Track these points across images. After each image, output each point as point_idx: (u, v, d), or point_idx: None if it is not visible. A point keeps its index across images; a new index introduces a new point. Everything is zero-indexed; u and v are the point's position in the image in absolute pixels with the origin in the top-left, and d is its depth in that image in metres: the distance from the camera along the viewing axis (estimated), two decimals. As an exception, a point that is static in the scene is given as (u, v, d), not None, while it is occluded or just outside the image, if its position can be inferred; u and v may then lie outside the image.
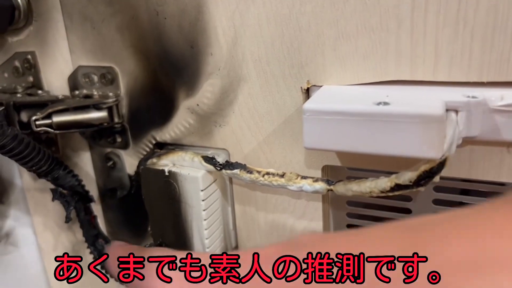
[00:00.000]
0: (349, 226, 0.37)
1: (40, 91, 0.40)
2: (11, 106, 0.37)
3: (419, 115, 0.25)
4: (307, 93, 0.32)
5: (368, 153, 0.27)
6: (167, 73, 0.36)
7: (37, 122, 0.35)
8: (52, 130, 0.36)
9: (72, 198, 0.37)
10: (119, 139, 0.39)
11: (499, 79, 0.27)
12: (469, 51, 0.27)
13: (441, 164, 0.26)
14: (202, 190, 0.34)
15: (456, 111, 0.27)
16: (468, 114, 0.27)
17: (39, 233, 0.48)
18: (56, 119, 0.36)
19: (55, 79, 0.40)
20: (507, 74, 0.27)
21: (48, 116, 0.36)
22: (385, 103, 0.26)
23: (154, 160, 0.36)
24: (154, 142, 0.39)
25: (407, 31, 0.28)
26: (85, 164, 0.42)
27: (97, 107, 0.36)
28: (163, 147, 0.38)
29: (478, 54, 0.27)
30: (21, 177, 0.46)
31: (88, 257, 0.47)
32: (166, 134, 0.38)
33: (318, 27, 0.30)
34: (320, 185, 0.31)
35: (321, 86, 0.31)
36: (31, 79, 0.41)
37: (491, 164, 0.29)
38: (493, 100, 0.27)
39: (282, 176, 0.32)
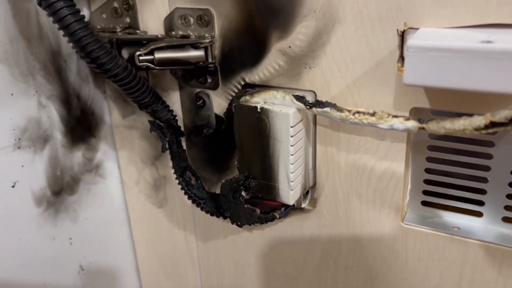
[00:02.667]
0: (427, 170, 0.39)
1: (138, 31, 0.43)
2: (114, 43, 0.40)
3: (525, 53, 0.26)
4: (402, 36, 0.33)
5: (470, 89, 0.28)
6: (262, 16, 0.38)
7: (140, 58, 0.38)
8: (153, 66, 0.39)
9: (167, 130, 0.40)
10: (209, 80, 0.42)
11: None
12: None
13: (540, 103, 0.28)
14: (291, 127, 0.37)
15: (559, 52, 0.27)
16: None
17: (123, 167, 0.52)
18: (158, 55, 0.38)
19: (151, 20, 0.42)
20: None
21: (150, 53, 0.38)
22: (489, 42, 0.27)
23: (247, 97, 0.38)
24: (242, 83, 0.41)
25: (512, -25, 0.29)
26: (173, 104, 0.45)
27: (194, 46, 0.39)
28: (251, 88, 0.41)
29: None
30: (110, 115, 0.49)
31: (168, 192, 0.51)
32: (255, 75, 0.40)
33: (421, -31, 0.31)
34: (412, 123, 0.32)
35: (418, 29, 0.32)
36: (128, 20, 0.43)
37: None
38: None
39: (373, 115, 0.34)
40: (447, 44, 0.28)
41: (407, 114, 0.35)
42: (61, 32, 0.34)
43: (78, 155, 0.47)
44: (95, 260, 0.51)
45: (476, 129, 0.30)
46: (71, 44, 0.34)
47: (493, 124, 0.29)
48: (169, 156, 0.44)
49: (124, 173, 0.52)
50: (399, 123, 0.33)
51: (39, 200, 0.44)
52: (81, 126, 0.47)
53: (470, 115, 0.31)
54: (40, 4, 0.33)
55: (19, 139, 0.41)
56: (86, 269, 0.50)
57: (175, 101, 0.45)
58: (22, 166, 0.41)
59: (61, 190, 0.46)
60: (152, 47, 0.38)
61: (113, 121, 0.50)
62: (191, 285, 0.55)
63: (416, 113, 0.35)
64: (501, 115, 0.29)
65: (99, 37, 0.34)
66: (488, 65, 0.27)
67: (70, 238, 0.48)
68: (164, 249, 0.55)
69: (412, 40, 0.29)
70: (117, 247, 0.55)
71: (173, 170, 0.44)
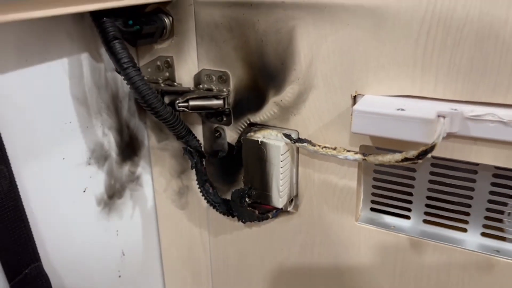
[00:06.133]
0: (374, 186, 0.57)
1: (175, 83, 0.60)
2: (160, 92, 0.57)
3: (421, 118, 0.44)
4: (354, 99, 0.51)
5: (389, 137, 0.46)
6: (263, 79, 0.55)
7: (179, 104, 0.55)
8: (187, 110, 0.56)
9: (195, 154, 0.58)
10: (224, 118, 0.59)
11: (471, 100, 0.46)
12: (455, 82, 0.46)
13: (432, 147, 0.45)
14: (281, 155, 0.54)
15: (444, 117, 0.45)
16: (451, 119, 0.45)
17: (155, 179, 0.69)
18: (191, 103, 0.56)
19: (184, 76, 0.60)
20: (476, 97, 0.45)
21: (186, 101, 0.56)
22: (402, 109, 0.45)
23: (252, 133, 0.56)
24: (248, 122, 0.58)
25: (419, 67, 0.47)
26: (197, 134, 0.62)
27: (216, 97, 0.56)
28: (254, 126, 0.58)
29: (461, 85, 0.45)
30: (148, 140, 0.67)
31: (189, 198, 0.68)
32: (257, 117, 0.58)
33: (366, 60, 0.49)
34: (359, 156, 0.50)
35: (364, 95, 0.50)
36: (167, 74, 0.61)
37: (464, 150, 0.47)
38: (466, 111, 0.45)
39: (334, 149, 0.52)
40: (377, 110, 0.46)
41: (357, 149, 0.53)
42: (121, 83, 0.51)
43: (125, 169, 0.64)
44: (132, 248, 0.68)
45: (397, 162, 0.48)
46: (137, 98, 0.51)
47: (406, 159, 0.47)
48: (191, 171, 0.61)
49: (156, 183, 0.69)
50: (350, 156, 0.51)
51: (99, 201, 0.60)
52: (129, 148, 0.64)
53: (395, 151, 0.49)
54: (118, 72, 0.50)
55: (90, 157, 0.58)
56: (126, 254, 0.67)
57: (198, 132, 0.62)
58: (90, 177, 0.58)
59: (113, 195, 0.63)
60: (188, 97, 0.56)
61: (150, 144, 0.67)
62: (203, 269, 0.72)
63: (365, 149, 0.53)
64: (411, 153, 0.47)
65: (156, 93, 0.51)
66: (401, 124, 0.45)
67: (117, 231, 0.65)
68: (183, 241, 0.72)
69: (357, 106, 0.46)
70: (147, 239, 0.72)
71: (195, 182, 0.61)
